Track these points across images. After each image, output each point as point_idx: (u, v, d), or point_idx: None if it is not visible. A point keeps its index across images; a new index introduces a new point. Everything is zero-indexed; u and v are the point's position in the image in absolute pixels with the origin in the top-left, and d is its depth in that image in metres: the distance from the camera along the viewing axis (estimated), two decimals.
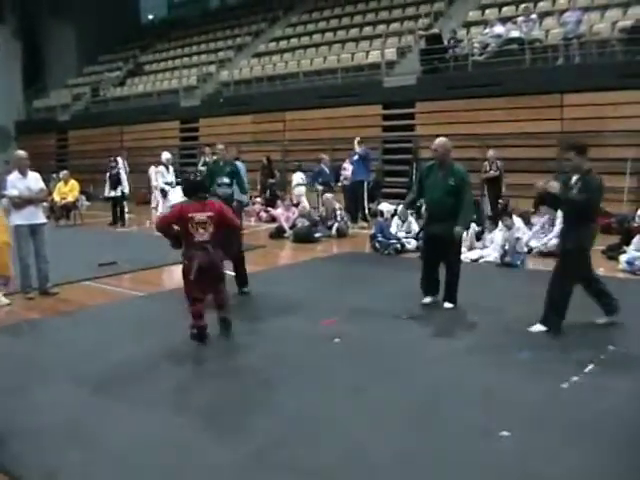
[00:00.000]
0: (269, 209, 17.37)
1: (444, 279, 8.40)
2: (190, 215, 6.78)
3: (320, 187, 16.72)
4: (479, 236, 12.15)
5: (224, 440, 4.75)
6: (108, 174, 18.33)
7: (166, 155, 18.52)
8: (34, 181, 9.33)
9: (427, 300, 8.50)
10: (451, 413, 5.11)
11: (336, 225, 14.67)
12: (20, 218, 8.96)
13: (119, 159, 18.58)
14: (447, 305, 8.30)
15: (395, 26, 22.01)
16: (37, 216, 9.31)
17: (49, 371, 6.22)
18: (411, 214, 12.87)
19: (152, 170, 19.04)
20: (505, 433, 4.69)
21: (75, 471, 4.39)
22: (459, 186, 8.08)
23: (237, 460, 4.47)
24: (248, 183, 11.83)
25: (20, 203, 8.89)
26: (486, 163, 14.60)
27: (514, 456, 4.44)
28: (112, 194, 17.91)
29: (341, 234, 14.57)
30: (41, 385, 5.89)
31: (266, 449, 4.60)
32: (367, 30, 22.82)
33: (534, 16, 17.30)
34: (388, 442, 4.66)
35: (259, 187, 19.22)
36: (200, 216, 6.80)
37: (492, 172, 14.35)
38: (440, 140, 8.26)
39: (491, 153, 14.55)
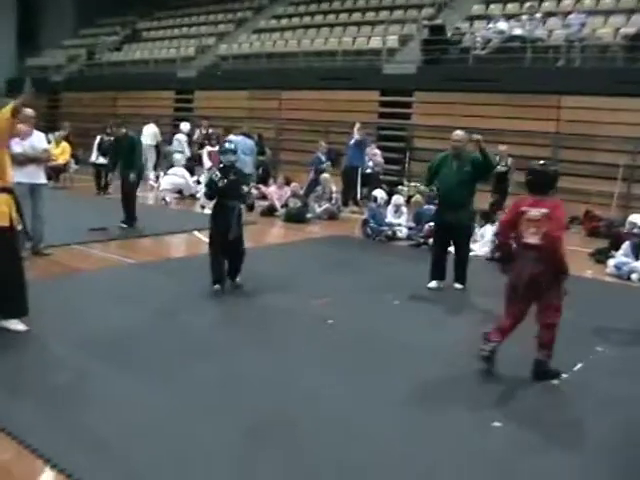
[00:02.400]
0: (260, 186, 17.35)
1: (454, 262, 8.81)
2: (523, 209, 5.66)
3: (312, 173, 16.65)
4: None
5: (214, 415, 4.79)
6: (99, 139, 18.08)
7: (186, 126, 18.43)
8: (38, 140, 9.32)
9: (433, 285, 8.79)
10: (442, 402, 5.23)
11: (325, 206, 14.73)
12: (21, 176, 8.88)
13: None
14: (458, 285, 8.80)
15: (398, 13, 21.98)
16: (38, 176, 9.32)
17: (42, 333, 6.26)
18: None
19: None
20: (497, 424, 4.81)
21: (70, 430, 4.47)
22: (475, 168, 8.52)
23: (228, 436, 4.53)
24: None
25: (23, 161, 8.86)
26: (497, 158, 14.50)
27: (504, 446, 4.57)
28: (100, 161, 17.46)
29: (331, 216, 14.64)
30: (35, 347, 5.97)
31: (259, 426, 4.68)
32: (370, 15, 22.76)
33: (538, 15, 17.36)
34: (381, 425, 4.77)
35: None
36: (534, 212, 5.58)
37: (500, 167, 14.25)
38: (461, 132, 8.74)
39: (502, 148, 14.48)
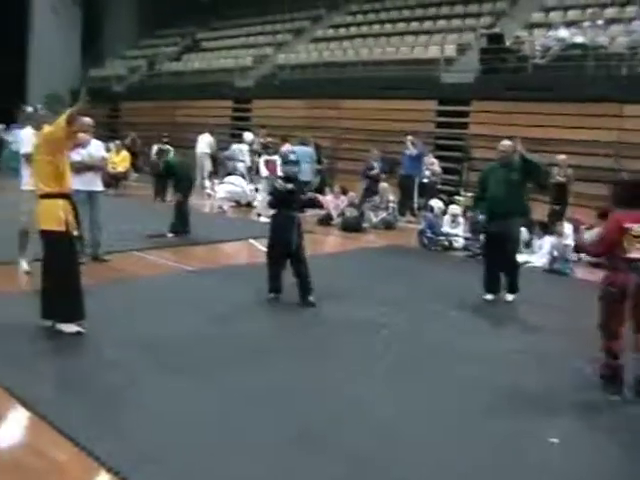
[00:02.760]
0: (317, 195, 17.37)
1: (504, 273, 8.59)
2: (627, 226, 5.51)
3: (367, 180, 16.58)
4: (528, 242, 12.03)
5: (262, 422, 4.77)
6: (157, 148, 18.39)
7: (249, 136, 18.60)
8: (96, 149, 9.48)
9: (489, 297, 8.66)
10: (496, 416, 5.11)
11: (382, 215, 14.69)
12: (79, 183, 9.04)
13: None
14: (508, 297, 8.60)
15: (456, 22, 21.80)
16: (95, 183, 9.50)
17: (98, 337, 6.33)
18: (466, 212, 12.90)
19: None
20: (555, 440, 4.68)
21: (120, 430, 4.51)
22: (522, 173, 8.36)
23: (278, 440, 4.51)
24: None
25: (81, 168, 9.01)
26: (556, 168, 14.26)
27: (559, 464, 4.44)
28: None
29: (388, 226, 14.58)
30: (90, 350, 6.05)
31: (307, 433, 4.66)
32: (428, 24, 22.63)
33: (600, 22, 17.02)
34: (431, 442, 4.68)
35: None
36: (638, 227, 5.48)
37: (558, 177, 14.00)
38: (506, 142, 8.62)
39: (562, 157, 14.20)
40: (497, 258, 8.57)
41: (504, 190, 8.34)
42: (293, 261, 7.97)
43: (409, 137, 16.48)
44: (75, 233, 6.45)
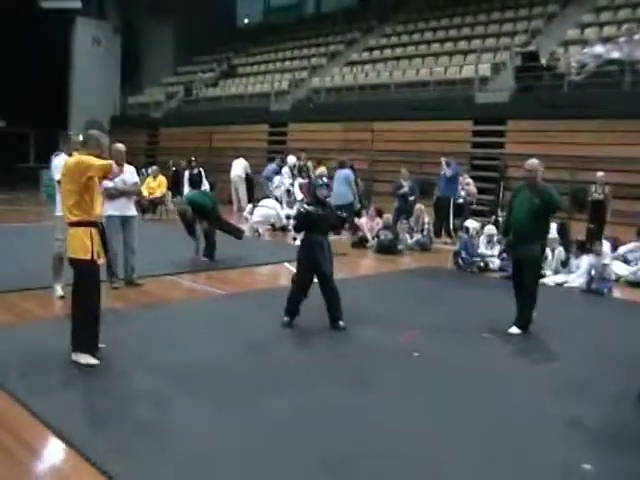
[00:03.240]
0: (355, 218, 17.35)
1: (516, 302, 8.15)
2: None
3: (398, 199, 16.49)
4: (565, 262, 11.83)
5: (291, 448, 4.72)
6: (188, 173, 18.58)
7: (292, 159, 18.70)
8: (129, 174, 9.56)
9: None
10: (529, 441, 4.98)
11: (417, 237, 14.60)
12: (113, 209, 9.17)
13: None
14: (513, 330, 7.97)
15: (491, 41, 21.73)
16: (129, 208, 9.58)
17: (132, 361, 6.34)
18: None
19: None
20: (587, 466, 4.54)
21: (148, 461, 4.46)
22: (544, 205, 7.83)
23: (305, 469, 4.44)
24: None
25: (114, 194, 9.11)
26: (594, 186, 14.06)
27: None
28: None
29: (423, 248, 14.48)
30: (124, 375, 6.03)
31: (338, 460, 4.57)
32: (462, 44, 22.59)
33: (637, 37, 16.79)
34: (466, 462, 4.58)
35: None
36: None
37: (596, 195, 13.80)
38: (532, 161, 8.10)
39: (600, 175, 13.96)
40: (521, 282, 8.14)
41: (524, 214, 7.93)
42: (323, 286, 7.87)
43: (443, 158, 16.40)
44: (101, 262, 6.44)
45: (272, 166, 20.19)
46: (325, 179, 8.66)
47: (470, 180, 16.73)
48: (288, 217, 16.39)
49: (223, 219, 12.65)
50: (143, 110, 32.27)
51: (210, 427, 4.98)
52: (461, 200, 16.17)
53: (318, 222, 7.87)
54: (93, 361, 6.19)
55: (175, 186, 20.07)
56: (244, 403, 5.46)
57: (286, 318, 7.84)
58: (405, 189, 16.10)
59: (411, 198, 16.04)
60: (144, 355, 6.56)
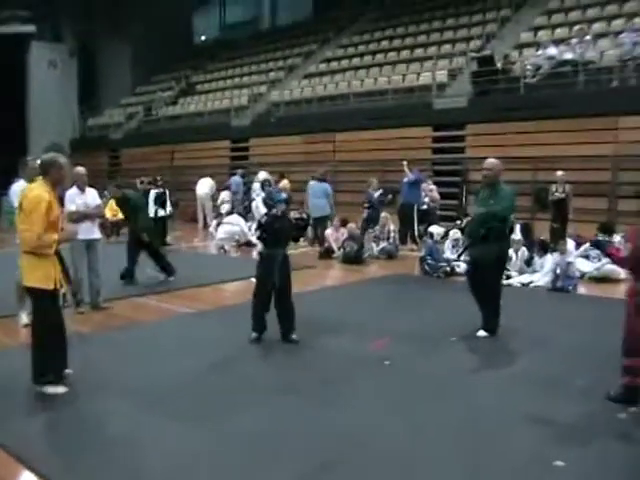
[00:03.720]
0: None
1: (485, 304, 8.07)
2: None
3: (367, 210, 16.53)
4: (529, 261, 11.94)
5: (271, 460, 4.70)
6: (155, 194, 18.39)
7: (262, 174, 18.66)
8: (91, 197, 9.47)
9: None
10: (503, 438, 5.02)
11: (383, 245, 14.64)
12: None
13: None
14: (481, 334, 7.94)
15: (446, 48, 21.98)
16: (93, 232, 9.45)
17: (100, 385, 6.26)
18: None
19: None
20: (559, 463, 4.58)
21: None
22: (501, 205, 7.74)
23: None
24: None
25: (77, 218, 9.01)
26: (554, 185, 14.27)
27: None
28: (161, 213, 17.69)
29: (390, 255, 14.52)
30: (92, 399, 5.94)
31: (312, 470, 4.58)
32: (418, 52, 22.81)
33: (588, 37, 17.09)
34: (437, 467, 4.59)
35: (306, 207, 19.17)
36: None
37: (557, 194, 14.03)
38: (491, 160, 8.03)
39: (559, 174, 14.17)
40: (477, 287, 8.01)
41: (481, 214, 7.90)
42: (278, 300, 7.79)
43: (405, 162, 16.51)
44: (62, 290, 6.29)
45: (237, 179, 20.13)
46: (284, 194, 8.62)
47: (433, 186, 16.87)
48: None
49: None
50: (103, 131, 32.10)
51: (181, 446, 4.94)
52: (425, 206, 16.28)
53: (275, 235, 7.80)
54: (61, 390, 6.06)
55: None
56: (216, 421, 5.42)
57: (254, 334, 7.76)
58: (375, 199, 16.15)
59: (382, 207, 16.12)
60: (113, 378, 6.47)
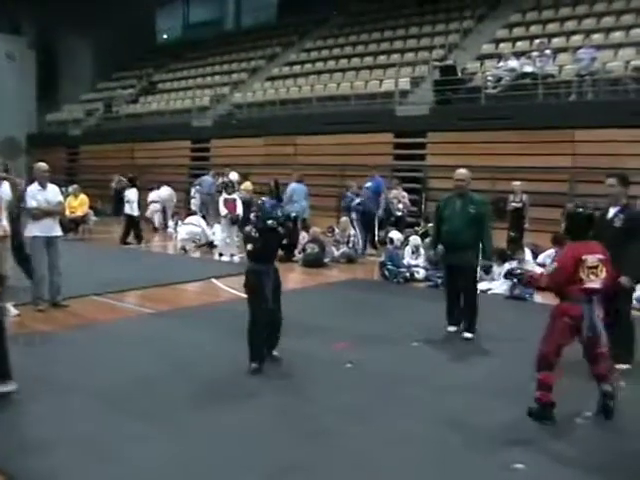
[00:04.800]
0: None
1: (463, 309, 8.46)
2: (583, 257, 5.55)
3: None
4: (488, 269, 12.12)
5: (233, 463, 4.74)
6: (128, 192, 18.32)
7: (234, 175, 18.61)
8: (53, 194, 9.40)
9: (451, 329, 8.53)
10: (464, 443, 5.12)
11: (343, 249, 14.73)
12: (37, 229, 9.02)
13: None
14: (466, 335, 8.31)
15: (409, 56, 22.20)
16: (54, 229, 9.37)
17: (61, 384, 6.24)
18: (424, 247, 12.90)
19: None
20: (519, 466, 4.70)
21: None
22: (480, 214, 8.21)
23: None
24: None
25: (38, 215, 8.94)
26: (512, 195, 14.61)
27: None
28: (129, 212, 17.71)
29: (350, 260, 14.62)
30: (53, 398, 5.91)
31: (277, 471, 4.64)
32: (381, 59, 23.00)
33: (548, 51, 17.44)
34: (400, 472, 4.68)
35: None
36: (592, 259, 5.54)
37: (514, 204, 14.40)
38: (463, 171, 8.39)
39: (517, 184, 14.54)
40: (456, 291, 8.46)
41: (459, 223, 8.18)
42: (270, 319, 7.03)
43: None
44: None
45: (209, 179, 20.00)
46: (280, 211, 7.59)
47: (404, 193, 17.05)
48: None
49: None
50: (61, 128, 31.68)
51: (145, 447, 4.95)
52: (400, 213, 16.48)
53: (262, 251, 6.94)
54: (8, 388, 5.83)
55: (117, 205, 20.04)
56: (179, 421, 5.45)
57: (253, 364, 6.80)
58: (357, 201, 16.20)
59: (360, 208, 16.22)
60: (75, 377, 6.45)
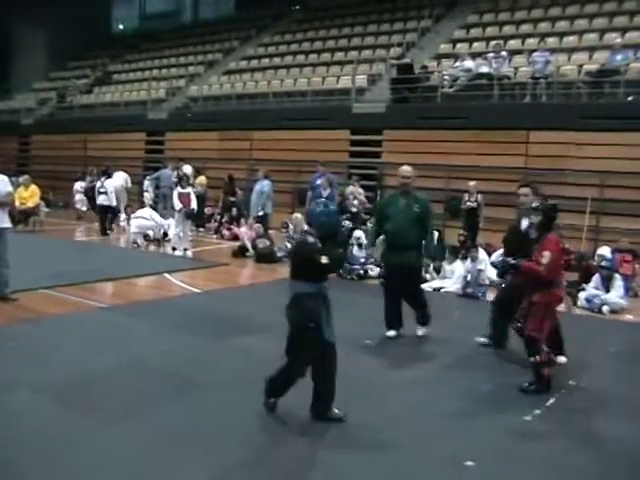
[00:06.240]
0: (232, 227, 17.34)
1: (413, 308, 8.40)
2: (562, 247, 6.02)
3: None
4: (438, 268, 12.23)
5: (188, 458, 4.72)
6: (100, 183, 18.10)
7: (188, 169, 18.41)
8: (2, 184, 9.19)
9: (391, 334, 8.31)
10: (413, 442, 5.15)
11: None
12: None
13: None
14: (421, 330, 8.34)
15: (367, 53, 22.25)
16: (2, 220, 9.18)
17: (10, 379, 6.13)
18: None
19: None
20: (470, 463, 4.75)
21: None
22: (423, 214, 8.08)
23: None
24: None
25: None
26: (466, 194, 14.77)
27: None
28: (106, 203, 17.71)
29: None
30: (3, 394, 5.80)
31: (233, 466, 4.63)
32: (339, 55, 23.01)
33: (504, 53, 17.62)
34: (354, 470, 4.69)
35: (220, 204, 19.05)
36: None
37: (469, 203, 14.58)
38: (408, 168, 8.26)
39: (472, 184, 14.71)
40: (397, 293, 8.27)
41: (403, 222, 8.00)
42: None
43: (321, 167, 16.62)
44: None
45: (167, 172, 19.72)
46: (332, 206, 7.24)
47: (361, 190, 17.05)
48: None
49: None
50: (13, 116, 30.97)
51: (98, 443, 4.88)
52: (354, 209, 16.45)
53: (316, 265, 5.52)
54: None
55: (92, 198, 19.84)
56: (133, 417, 5.40)
57: (272, 399, 5.67)
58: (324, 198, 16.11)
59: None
60: (25, 372, 6.34)
